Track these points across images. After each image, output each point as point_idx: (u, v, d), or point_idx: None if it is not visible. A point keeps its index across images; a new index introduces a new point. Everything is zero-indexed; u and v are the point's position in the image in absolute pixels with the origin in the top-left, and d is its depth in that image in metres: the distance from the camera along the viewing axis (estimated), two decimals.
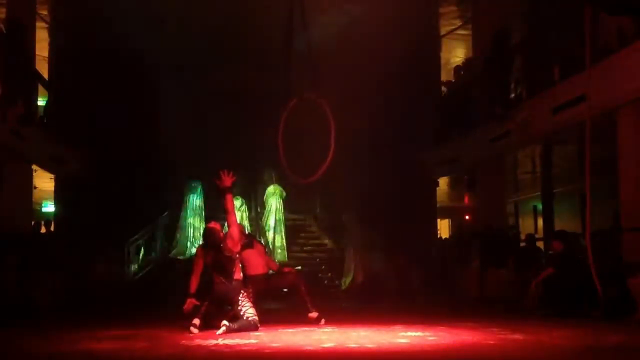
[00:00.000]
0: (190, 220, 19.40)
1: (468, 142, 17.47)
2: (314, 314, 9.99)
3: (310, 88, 11.14)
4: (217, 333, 8.41)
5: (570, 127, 13.23)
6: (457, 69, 19.38)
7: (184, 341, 7.95)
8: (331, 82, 18.67)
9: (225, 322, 8.60)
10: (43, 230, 17.25)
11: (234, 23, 18.90)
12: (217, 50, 19.66)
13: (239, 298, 8.99)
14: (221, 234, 9.20)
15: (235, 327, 8.65)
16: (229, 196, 9.12)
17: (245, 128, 19.67)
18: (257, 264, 10.27)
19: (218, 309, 9.05)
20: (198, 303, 9.02)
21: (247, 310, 8.95)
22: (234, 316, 8.88)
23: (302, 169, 11.72)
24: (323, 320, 9.89)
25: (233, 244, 9.05)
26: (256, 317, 8.98)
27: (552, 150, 15.92)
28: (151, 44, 17.67)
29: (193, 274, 9.16)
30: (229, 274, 8.99)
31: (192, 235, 19.18)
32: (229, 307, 9.01)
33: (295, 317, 10.20)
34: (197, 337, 8.27)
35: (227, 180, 9.08)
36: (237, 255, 9.23)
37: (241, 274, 9.29)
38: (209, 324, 8.85)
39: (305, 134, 15.20)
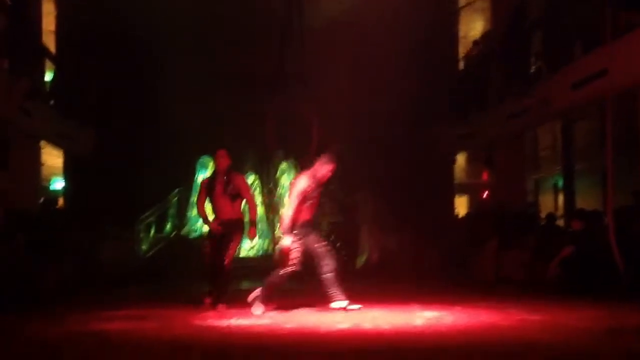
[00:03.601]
0: None
1: (486, 119, 17.16)
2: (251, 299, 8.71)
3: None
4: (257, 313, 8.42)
5: (591, 102, 12.93)
6: (476, 43, 18.98)
7: (196, 321, 7.85)
8: (345, 58, 18.57)
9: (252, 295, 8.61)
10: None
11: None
12: (224, 29, 19.40)
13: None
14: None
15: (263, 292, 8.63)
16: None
17: (253, 106, 19.50)
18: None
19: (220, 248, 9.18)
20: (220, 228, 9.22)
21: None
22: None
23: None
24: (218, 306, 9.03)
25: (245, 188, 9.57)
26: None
27: (573, 126, 15.58)
28: (159, 18, 17.44)
29: (199, 206, 9.54)
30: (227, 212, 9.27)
31: None
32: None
33: (311, 299, 9.88)
34: (210, 317, 8.13)
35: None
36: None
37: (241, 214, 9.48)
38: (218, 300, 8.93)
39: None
